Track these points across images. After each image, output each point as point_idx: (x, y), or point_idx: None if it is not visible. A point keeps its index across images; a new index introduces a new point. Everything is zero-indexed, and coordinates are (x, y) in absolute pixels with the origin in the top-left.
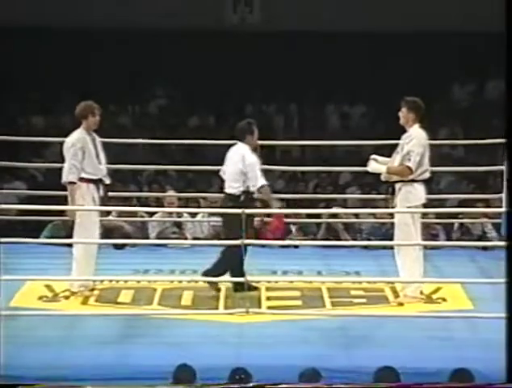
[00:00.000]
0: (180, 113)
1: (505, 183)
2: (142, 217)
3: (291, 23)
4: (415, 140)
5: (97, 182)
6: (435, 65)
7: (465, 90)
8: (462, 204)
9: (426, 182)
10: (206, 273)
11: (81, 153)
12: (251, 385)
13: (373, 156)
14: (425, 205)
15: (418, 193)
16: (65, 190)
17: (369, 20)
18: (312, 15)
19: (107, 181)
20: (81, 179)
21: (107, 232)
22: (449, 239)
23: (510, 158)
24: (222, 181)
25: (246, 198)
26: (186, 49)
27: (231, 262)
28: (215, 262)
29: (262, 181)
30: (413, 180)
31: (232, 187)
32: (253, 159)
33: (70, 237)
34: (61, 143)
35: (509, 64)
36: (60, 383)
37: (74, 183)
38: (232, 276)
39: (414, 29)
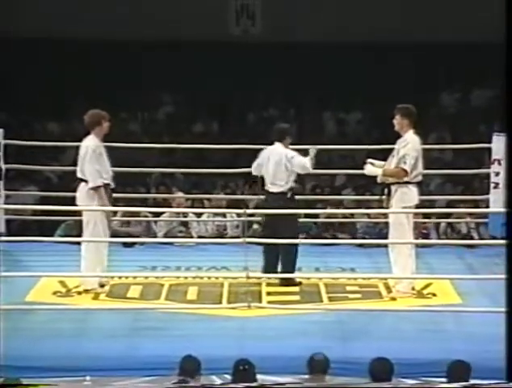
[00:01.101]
0: (186, 120)
1: (492, 185)
2: (146, 217)
3: (290, 34)
4: (410, 144)
5: (106, 185)
6: (425, 74)
7: (453, 98)
8: (450, 205)
9: (418, 184)
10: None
11: (100, 159)
12: (256, 384)
13: (369, 160)
14: (417, 206)
15: (413, 194)
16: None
17: (365, 32)
18: (311, 27)
19: (113, 185)
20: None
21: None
22: (439, 238)
23: (510, 160)
24: (254, 181)
25: (292, 195)
26: (192, 59)
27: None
28: (283, 262)
29: (306, 161)
30: (408, 182)
31: (279, 185)
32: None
33: (82, 236)
34: (76, 147)
35: (508, 69)
36: (71, 374)
37: (100, 186)
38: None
39: (406, 40)
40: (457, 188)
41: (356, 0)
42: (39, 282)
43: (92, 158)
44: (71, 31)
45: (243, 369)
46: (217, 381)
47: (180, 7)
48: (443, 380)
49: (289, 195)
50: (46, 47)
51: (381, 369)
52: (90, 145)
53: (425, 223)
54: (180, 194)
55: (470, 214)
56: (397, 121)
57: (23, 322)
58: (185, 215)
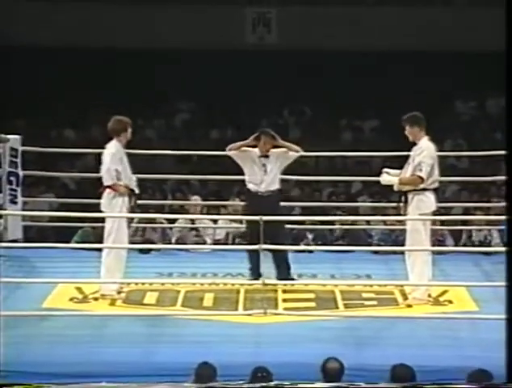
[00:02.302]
0: (202, 126)
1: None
2: (162, 223)
3: (305, 42)
4: (425, 151)
5: (130, 192)
6: (440, 82)
7: (467, 105)
8: (466, 212)
9: (435, 191)
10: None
11: (120, 162)
12: (271, 384)
13: (385, 169)
14: (433, 213)
15: (430, 201)
16: (96, 198)
17: (380, 40)
18: (325, 35)
19: (137, 191)
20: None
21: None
22: (456, 245)
23: (510, 166)
24: None
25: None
26: (209, 67)
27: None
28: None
29: None
30: (424, 189)
31: None
32: None
33: (99, 242)
34: (96, 154)
35: (509, 76)
36: (87, 380)
37: (114, 184)
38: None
39: (420, 48)
40: (473, 195)
41: (371, 8)
42: (56, 288)
43: (113, 159)
44: (87, 39)
45: (261, 377)
46: None
47: (196, 16)
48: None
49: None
50: (63, 55)
51: (403, 375)
52: (110, 151)
53: (441, 230)
54: (196, 197)
55: (487, 221)
56: (408, 131)
57: (40, 328)
58: (193, 221)
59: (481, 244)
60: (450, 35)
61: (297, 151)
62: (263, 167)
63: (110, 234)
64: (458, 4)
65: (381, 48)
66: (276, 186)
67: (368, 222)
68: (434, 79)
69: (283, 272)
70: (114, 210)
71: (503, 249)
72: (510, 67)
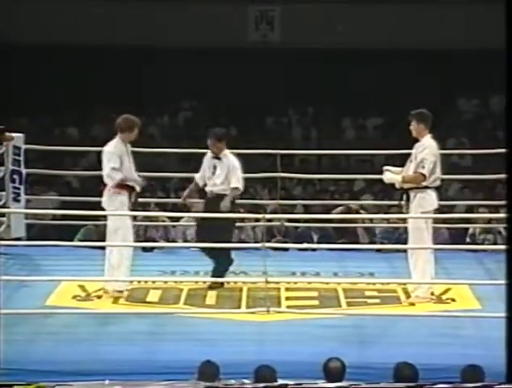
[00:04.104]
0: (204, 125)
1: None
2: (164, 221)
3: (308, 40)
4: (428, 149)
5: (130, 189)
6: (443, 80)
7: (470, 103)
8: (469, 210)
9: (437, 189)
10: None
11: (119, 160)
12: (274, 384)
13: (387, 167)
14: (436, 211)
15: (431, 199)
16: (98, 196)
17: (383, 38)
18: (328, 33)
19: (138, 189)
20: (121, 186)
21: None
22: (459, 243)
23: (510, 164)
24: None
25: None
26: (212, 65)
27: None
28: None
29: None
30: (426, 187)
31: None
32: None
33: (101, 240)
34: (97, 153)
35: (509, 74)
36: (90, 378)
37: (120, 182)
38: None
39: (423, 46)
40: (476, 194)
41: (373, 5)
42: (59, 286)
43: (109, 158)
44: (92, 37)
45: (265, 375)
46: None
47: (199, 14)
48: None
49: None
50: (64, 53)
51: (406, 373)
52: (109, 148)
53: (442, 228)
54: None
55: (491, 219)
56: (413, 127)
57: (43, 326)
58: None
59: (484, 242)
60: (452, 33)
61: (235, 187)
62: (213, 169)
63: (112, 231)
64: (460, 1)
65: (384, 45)
66: (225, 191)
67: (371, 220)
68: (437, 77)
69: (216, 270)
70: (110, 207)
71: (504, 247)
72: (511, 65)
